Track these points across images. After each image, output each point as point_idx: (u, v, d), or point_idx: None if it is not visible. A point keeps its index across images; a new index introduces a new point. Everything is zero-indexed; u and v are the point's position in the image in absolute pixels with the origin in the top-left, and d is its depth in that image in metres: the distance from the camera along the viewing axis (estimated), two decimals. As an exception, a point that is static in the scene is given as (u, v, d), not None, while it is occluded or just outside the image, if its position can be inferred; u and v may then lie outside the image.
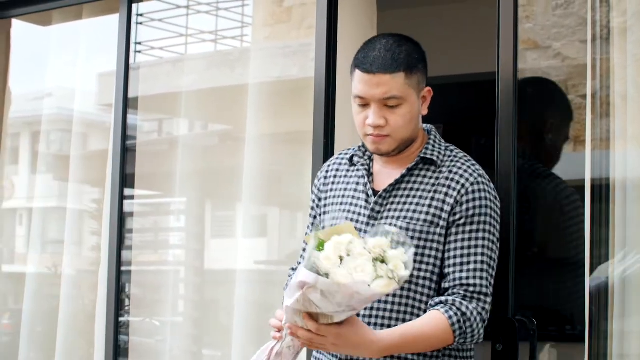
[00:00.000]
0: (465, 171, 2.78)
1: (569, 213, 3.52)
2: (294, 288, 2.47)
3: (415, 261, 2.72)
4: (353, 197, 2.86)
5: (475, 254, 2.72)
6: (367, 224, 2.78)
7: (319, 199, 2.98)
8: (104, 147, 4.63)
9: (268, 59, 4.30)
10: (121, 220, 4.43)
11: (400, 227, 2.73)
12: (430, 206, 2.76)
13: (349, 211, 2.85)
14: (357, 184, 2.88)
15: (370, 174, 2.88)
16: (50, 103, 5.09)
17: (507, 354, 3.13)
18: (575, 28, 4.14)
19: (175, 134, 4.77)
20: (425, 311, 2.72)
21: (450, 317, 2.65)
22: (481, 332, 2.71)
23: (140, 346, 4.55)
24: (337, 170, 2.96)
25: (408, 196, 2.79)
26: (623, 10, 3.15)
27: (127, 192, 4.50)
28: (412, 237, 2.73)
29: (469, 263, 2.71)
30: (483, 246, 2.73)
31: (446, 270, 2.73)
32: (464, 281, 2.70)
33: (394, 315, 2.73)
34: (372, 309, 2.74)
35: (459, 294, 2.69)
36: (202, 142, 4.63)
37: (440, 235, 2.74)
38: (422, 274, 2.74)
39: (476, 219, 2.73)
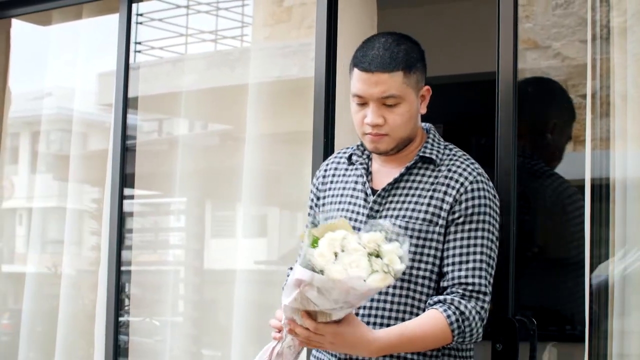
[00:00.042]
0: (465, 170, 2.78)
1: (572, 212, 3.52)
2: (291, 286, 2.47)
3: (414, 260, 2.72)
4: (352, 196, 2.86)
5: (474, 253, 2.71)
6: (366, 222, 2.78)
7: (318, 198, 2.97)
8: (104, 147, 4.63)
9: (268, 59, 4.29)
10: (121, 220, 4.42)
11: (399, 226, 2.73)
12: (429, 205, 2.76)
13: (347, 210, 2.84)
14: (356, 182, 2.88)
15: (369, 172, 2.87)
16: (50, 103, 5.09)
17: (507, 354, 3.13)
18: (575, 28, 4.14)
19: (175, 134, 4.77)
20: (424, 310, 2.72)
21: (448, 317, 2.64)
22: (480, 332, 2.71)
23: (140, 346, 4.55)
24: (336, 169, 2.96)
25: (407, 195, 2.79)
26: (623, 9, 3.15)
27: (127, 192, 4.50)
28: (411, 236, 2.73)
29: (467, 262, 2.71)
30: (482, 245, 2.72)
31: (445, 269, 2.73)
32: (463, 280, 2.70)
33: (393, 314, 2.73)
34: (371, 308, 2.75)
35: (458, 292, 2.69)
36: (202, 142, 4.63)
37: (439, 234, 2.74)
38: (421, 272, 2.74)
39: (475, 217, 2.73)
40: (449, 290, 2.70)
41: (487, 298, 2.71)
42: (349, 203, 2.86)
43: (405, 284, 2.73)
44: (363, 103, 2.77)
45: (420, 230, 2.74)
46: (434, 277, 2.74)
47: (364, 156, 2.90)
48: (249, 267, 4.19)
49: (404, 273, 2.72)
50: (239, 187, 4.17)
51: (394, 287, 2.73)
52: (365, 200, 2.82)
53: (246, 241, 4.23)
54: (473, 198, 2.74)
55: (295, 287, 2.45)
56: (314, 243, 2.44)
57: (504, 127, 3.24)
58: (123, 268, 4.44)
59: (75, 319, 4.73)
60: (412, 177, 2.81)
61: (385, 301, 2.74)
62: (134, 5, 4.47)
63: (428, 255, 2.74)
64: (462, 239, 2.73)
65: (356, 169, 2.90)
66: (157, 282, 4.63)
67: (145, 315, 4.67)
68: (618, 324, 3.08)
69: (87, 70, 4.91)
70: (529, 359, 3.19)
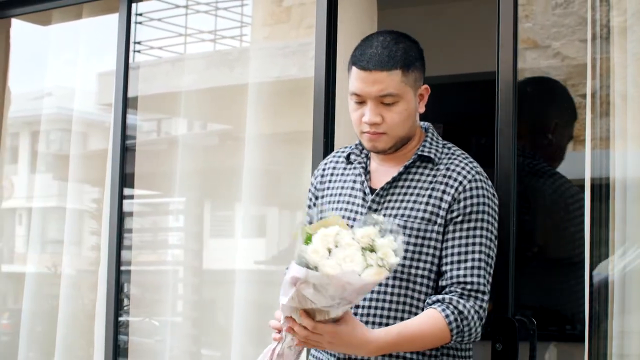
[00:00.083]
0: (463, 168, 2.78)
1: (574, 212, 3.52)
2: (287, 285, 2.47)
3: (412, 259, 2.72)
4: (350, 195, 2.86)
5: (473, 252, 2.71)
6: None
7: (316, 197, 2.97)
8: (104, 147, 4.63)
9: (267, 59, 4.29)
10: (121, 220, 4.42)
11: (398, 225, 2.72)
12: (427, 204, 2.75)
13: (346, 209, 2.84)
14: (354, 182, 2.87)
15: (367, 172, 2.87)
16: (49, 102, 5.09)
17: (507, 354, 3.13)
18: (574, 27, 4.14)
19: (174, 134, 4.77)
20: (423, 309, 2.71)
21: (447, 316, 2.64)
22: (479, 331, 2.71)
23: (140, 346, 4.55)
24: (334, 168, 2.96)
25: (405, 194, 2.79)
26: (623, 9, 3.14)
27: (127, 191, 4.50)
28: (410, 235, 2.73)
29: (466, 261, 2.71)
30: (481, 244, 2.72)
31: (443, 268, 2.73)
32: (462, 279, 2.69)
33: (392, 313, 2.73)
34: (369, 307, 2.74)
35: (456, 292, 2.68)
36: (202, 141, 4.62)
37: (437, 232, 2.74)
38: (419, 272, 2.73)
39: (474, 216, 2.73)
40: (447, 290, 2.70)
41: (486, 297, 2.71)
42: (348, 202, 2.85)
43: (404, 283, 2.73)
44: (361, 101, 2.77)
45: (418, 229, 2.74)
46: (432, 276, 2.74)
47: (362, 155, 2.90)
48: (248, 267, 4.18)
49: (402, 272, 2.72)
50: (238, 187, 4.16)
51: (393, 286, 2.73)
52: (363, 199, 2.82)
53: (246, 241, 4.23)
54: (472, 197, 2.74)
55: (291, 286, 2.45)
56: (308, 240, 2.44)
57: (504, 126, 3.24)
58: (123, 268, 4.44)
59: (75, 319, 4.73)
60: (410, 176, 2.81)
61: (384, 300, 2.74)
62: (134, 5, 4.47)
63: (427, 254, 2.74)
64: (460, 238, 2.72)
65: (354, 168, 2.90)
66: (156, 282, 4.62)
67: (145, 315, 4.67)
68: (618, 323, 3.08)
69: (87, 70, 4.91)
70: (528, 359, 3.18)
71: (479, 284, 2.69)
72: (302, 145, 3.87)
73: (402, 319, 2.71)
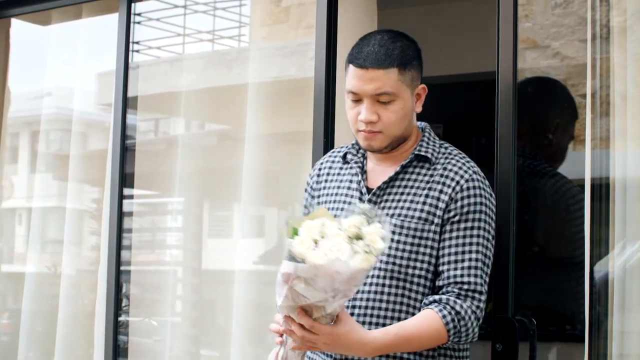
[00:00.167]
0: (460, 168, 2.78)
1: (575, 212, 3.52)
2: (280, 284, 2.47)
3: (409, 259, 2.72)
4: (346, 194, 2.85)
5: (470, 252, 2.71)
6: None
7: (312, 197, 2.97)
8: (104, 147, 4.63)
9: (266, 59, 4.29)
10: (120, 219, 4.42)
11: (395, 225, 2.73)
12: (424, 203, 2.75)
13: (342, 209, 2.83)
14: (351, 181, 2.87)
15: (363, 171, 2.87)
16: (49, 102, 5.09)
17: (507, 354, 3.13)
18: (574, 27, 4.14)
19: (174, 134, 4.77)
20: (419, 309, 2.71)
21: (444, 316, 2.64)
22: (476, 331, 2.70)
23: (140, 346, 4.55)
24: (330, 168, 2.95)
25: (402, 193, 2.78)
26: (623, 9, 3.14)
27: (127, 191, 4.49)
28: (407, 235, 2.73)
29: (463, 261, 2.70)
30: (478, 244, 2.72)
31: (440, 268, 2.72)
32: (458, 279, 2.69)
33: (389, 313, 2.72)
34: (366, 307, 2.74)
35: (453, 292, 2.68)
36: (201, 141, 4.62)
37: (434, 232, 2.73)
38: (416, 271, 2.73)
39: (471, 216, 2.72)
40: (444, 290, 2.70)
41: (483, 297, 2.70)
42: (344, 202, 2.85)
43: (401, 283, 2.72)
44: (357, 100, 2.76)
45: (415, 229, 2.73)
46: (429, 276, 2.73)
47: (359, 155, 2.89)
48: (247, 267, 4.18)
49: (399, 272, 2.72)
50: (238, 187, 4.16)
51: (390, 286, 2.73)
52: (360, 199, 2.82)
53: (245, 241, 4.22)
54: (469, 197, 2.74)
55: (284, 284, 2.45)
56: (294, 234, 2.44)
57: (504, 126, 3.24)
58: (122, 268, 4.44)
59: (74, 319, 4.73)
60: (407, 176, 2.80)
61: (380, 300, 2.73)
62: (133, 5, 4.47)
63: (424, 254, 2.73)
64: (457, 237, 2.72)
65: (351, 167, 2.89)
66: (156, 282, 4.62)
67: (144, 315, 4.67)
68: (618, 323, 3.07)
69: (86, 70, 4.91)
70: (528, 359, 3.18)
71: (475, 284, 2.69)
72: (302, 145, 3.87)
73: (399, 319, 2.71)
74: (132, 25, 4.46)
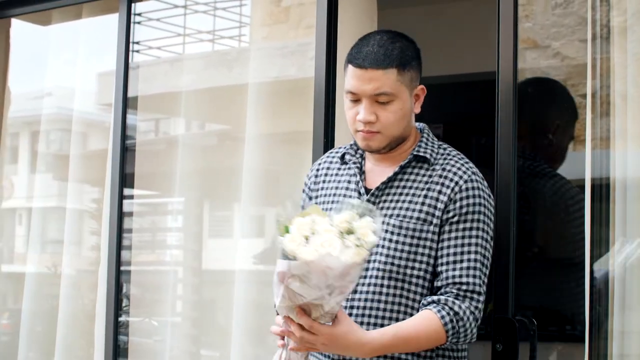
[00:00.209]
0: (459, 169, 2.77)
1: (574, 213, 3.52)
2: (276, 284, 2.47)
3: (408, 259, 2.72)
4: (344, 195, 2.85)
5: (469, 252, 2.70)
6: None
7: (310, 198, 2.96)
8: (104, 147, 4.63)
9: (266, 59, 4.29)
10: (121, 220, 4.42)
11: (393, 225, 2.73)
12: (423, 204, 2.75)
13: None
14: (349, 182, 2.86)
15: (362, 172, 2.86)
16: (49, 102, 5.09)
17: (507, 354, 3.13)
18: (574, 27, 4.14)
19: (174, 134, 4.77)
20: (418, 310, 2.71)
21: (442, 317, 2.63)
22: (474, 332, 2.70)
23: (140, 346, 4.55)
24: (328, 168, 2.95)
25: (401, 194, 2.78)
26: (623, 9, 3.14)
27: (127, 191, 4.49)
28: (405, 235, 2.72)
29: (462, 261, 2.70)
30: (476, 244, 2.71)
31: (439, 269, 2.72)
32: (457, 279, 2.69)
33: (387, 314, 2.72)
34: (364, 307, 2.74)
35: (452, 292, 2.68)
36: (201, 141, 4.62)
37: (433, 233, 2.73)
38: (415, 272, 2.73)
39: (470, 217, 2.72)
40: (442, 290, 2.69)
41: (482, 298, 2.70)
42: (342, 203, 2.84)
43: (399, 284, 2.72)
44: (356, 100, 2.76)
45: (414, 230, 2.73)
46: (428, 276, 2.73)
47: (357, 155, 2.89)
48: (248, 267, 4.18)
49: (397, 272, 2.72)
50: (238, 187, 4.16)
51: (388, 286, 2.72)
52: (358, 199, 2.81)
53: (245, 241, 4.22)
54: (468, 197, 2.73)
55: (280, 284, 2.45)
56: (285, 232, 2.45)
57: (504, 127, 3.23)
58: (122, 268, 4.44)
59: (75, 319, 4.73)
60: (406, 176, 2.80)
61: (379, 301, 2.73)
62: (133, 5, 4.47)
63: (422, 254, 2.73)
64: (456, 238, 2.72)
65: (349, 168, 2.89)
66: (156, 282, 4.62)
67: (145, 316, 4.67)
68: (618, 323, 3.07)
69: (86, 70, 4.91)
70: (529, 359, 3.18)
71: (474, 284, 2.69)
72: (302, 145, 3.87)
73: (397, 319, 2.71)
74: (132, 25, 4.46)
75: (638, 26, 3.12)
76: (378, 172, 2.84)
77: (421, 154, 2.80)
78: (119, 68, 4.46)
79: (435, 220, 2.73)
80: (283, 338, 2.63)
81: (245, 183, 4.13)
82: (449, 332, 2.64)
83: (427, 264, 2.73)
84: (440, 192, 2.75)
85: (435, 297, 2.68)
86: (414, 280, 2.73)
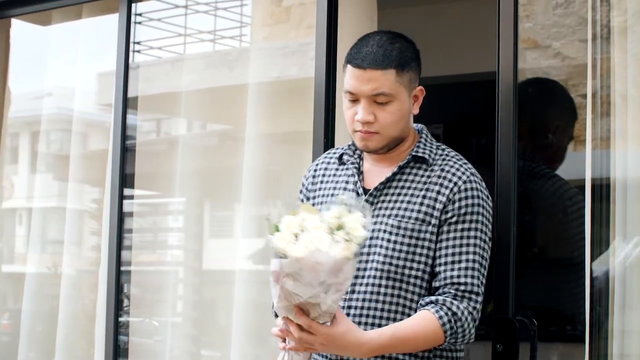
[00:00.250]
0: (458, 169, 2.77)
1: (572, 214, 3.52)
2: (272, 285, 2.47)
3: (406, 259, 2.72)
4: (342, 195, 2.85)
5: (467, 253, 2.70)
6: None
7: (307, 198, 2.96)
8: (104, 147, 4.63)
9: (267, 59, 4.29)
10: (121, 220, 4.42)
11: (392, 225, 2.73)
12: (422, 204, 2.75)
13: (338, 210, 2.83)
14: (347, 182, 2.86)
15: (360, 172, 2.86)
16: (49, 103, 5.09)
17: (508, 354, 3.13)
18: (575, 27, 4.14)
19: (174, 134, 4.77)
20: (416, 310, 2.70)
21: (440, 317, 2.63)
22: (472, 332, 2.70)
23: (140, 346, 4.55)
24: (326, 169, 2.95)
25: (399, 194, 2.78)
26: (623, 9, 3.14)
27: (127, 192, 4.49)
28: (404, 235, 2.72)
29: (460, 262, 2.70)
30: (475, 245, 2.71)
31: (437, 269, 2.72)
32: (455, 280, 2.69)
33: (385, 314, 2.72)
34: (362, 307, 2.74)
35: (450, 293, 2.68)
36: (202, 142, 4.62)
37: (431, 233, 2.73)
38: (413, 272, 2.73)
39: (468, 217, 2.72)
40: (441, 291, 2.69)
41: (480, 298, 2.70)
42: (340, 203, 2.84)
43: (397, 284, 2.72)
44: (355, 100, 2.76)
45: (412, 230, 2.73)
46: (426, 276, 2.73)
47: (355, 156, 2.89)
48: (248, 268, 4.18)
49: (395, 272, 2.72)
50: (238, 187, 4.16)
51: (386, 286, 2.72)
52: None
53: (245, 241, 4.22)
54: (466, 198, 2.73)
55: (275, 284, 2.46)
56: (276, 231, 2.45)
57: (504, 127, 3.24)
58: (123, 268, 4.44)
59: (75, 319, 4.73)
60: (404, 177, 2.80)
61: (376, 301, 2.73)
62: (133, 5, 4.47)
63: (420, 254, 2.73)
64: (454, 238, 2.72)
65: (347, 168, 2.89)
66: (156, 283, 4.63)
67: (145, 316, 4.67)
68: (619, 323, 3.08)
69: (86, 70, 4.91)
70: (529, 359, 3.18)
71: (472, 284, 2.69)
72: (302, 145, 3.87)
73: (395, 319, 2.71)
74: (132, 25, 4.46)
75: (638, 26, 3.12)
76: (376, 172, 2.84)
77: (420, 154, 2.80)
78: (119, 68, 4.46)
79: (433, 221, 2.73)
80: (284, 340, 2.63)
81: (246, 183, 4.13)
82: (447, 332, 2.64)
83: (425, 264, 2.73)
84: (438, 192, 2.75)
85: (433, 298, 2.68)
86: (411, 280, 2.73)
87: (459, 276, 2.69)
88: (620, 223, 3.10)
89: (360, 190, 2.82)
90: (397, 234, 2.73)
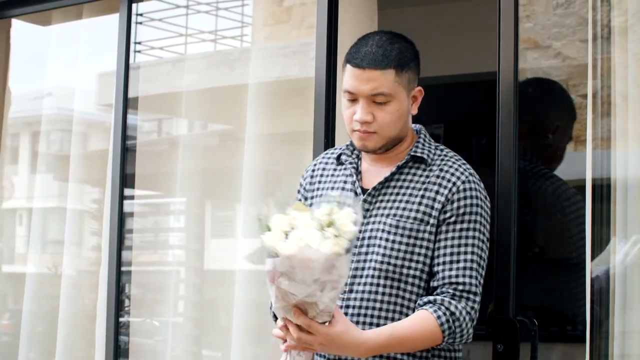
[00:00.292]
0: (457, 170, 2.78)
1: (571, 214, 3.53)
2: (269, 285, 2.47)
3: (404, 259, 2.72)
4: (341, 195, 2.85)
5: (465, 253, 2.71)
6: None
7: (305, 199, 2.96)
8: (104, 147, 4.63)
9: (268, 59, 4.29)
10: (121, 220, 4.42)
11: (390, 225, 2.73)
12: (420, 204, 2.75)
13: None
14: (345, 182, 2.87)
15: (358, 172, 2.87)
16: (50, 103, 5.09)
17: (508, 355, 3.13)
18: (575, 27, 4.14)
19: (175, 134, 4.77)
20: (414, 310, 2.71)
21: (439, 317, 2.64)
22: (470, 332, 2.70)
23: (141, 346, 4.55)
24: (324, 169, 2.95)
25: (398, 194, 2.78)
26: (624, 9, 3.14)
27: (127, 192, 4.49)
28: (402, 235, 2.73)
29: (458, 261, 2.70)
30: (473, 245, 2.72)
31: (435, 269, 2.72)
32: (453, 280, 2.69)
33: (383, 313, 2.72)
34: (360, 307, 2.74)
35: (448, 292, 2.68)
36: (202, 142, 4.63)
37: (430, 233, 2.73)
38: (411, 272, 2.73)
39: (467, 217, 2.73)
40: (439, 290, 2.69)
41: (477, 298, 2.70)
42: (338, 203, 2.84)
43: (395, 283, 2.72)
44: (353, 99, 2.76)
45: (411, 229, 2.73)
46: (424, 276, 2.73)
47: (354, 156, 2.89)
48: (249, 268, 4.18)
49: (394, 272, 2.72)
50: (239, 187, 4.16)
51: (384, 286, 2.73)
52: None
53: (246, 241, 4.22)
54: (465, 198, 2.74)
55: (271, 284, 2.46)
56: (267, 230, 2.45)
57: (505, 127, 3.24)
58: (123, 268, 4.44)
59: (75, 320, 4.73)
60: (403, 177, 2.81)
61: (375, 300, 2.73)
62: (134, 5, 4.47)
63: (419, 254, 2.73)
64: (453, 238, 2.72)
65: (345, 168, 2.89)
66: (157, 283, 4.62)
67: (146, 316, 4.66)
68: (619, 323, 3.08)
69: (87, 70, 4.91)
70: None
71: (470, 284, 2.69)
72: (303, 145, 3.87)
73: (393, 319, 2.71)
74: (132, 25, 4.46)
75: (639, 26, 3.12)
76: (374, 172, 2.84)
77: (418, 154, 2.80)
78: (119, 68, 4.46)
79: (432, 220, 2.74)
80: (286, 341, 2.63)
81: (246, 183, 4.13)
82: (445, 332, 2.64)
83: (424, 263, 2.73)
84: (437, 192, 2.75)
85: (431, 297, 2.68)
86: (410, 280, 2.73)
87: (457, 276, 2.69)
88: (621, 223, 3.10)
89: (359, 190, 2.82)
90: (395, 234, 2.73)
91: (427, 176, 2.78)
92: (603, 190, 3.15)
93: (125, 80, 4.43)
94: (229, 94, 4.41)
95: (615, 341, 3.08)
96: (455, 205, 2.73)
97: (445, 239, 2.73)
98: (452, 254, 2.71)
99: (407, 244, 2.73)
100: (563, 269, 3.66)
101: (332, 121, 3.71)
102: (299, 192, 3.01)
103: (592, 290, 3.11)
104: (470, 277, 2.69)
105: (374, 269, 2.73)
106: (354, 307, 2.74)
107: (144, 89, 4.58)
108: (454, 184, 2.75)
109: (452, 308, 2.65)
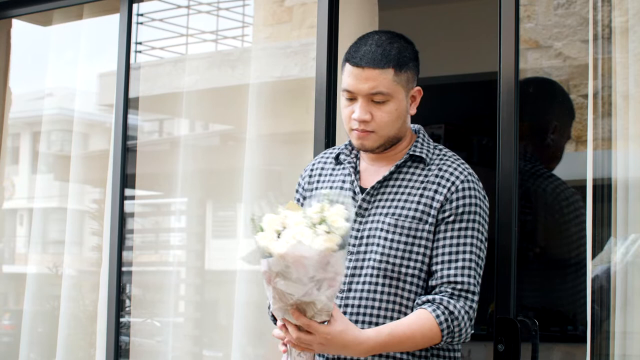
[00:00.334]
0: (455, 169, 2.78)
1: (570, 214, 3.53)
2: (266, 287, 2.47)
3: (403, 258, 2.72)
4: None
5: (464, 252, 2.71)
6: (355, 221, 2.77)
7: (304, 198, 2.96)
8: (105, 147, 4.63)
9: (269, 59, 4.29)
10: (122, 220, 4.42)
11: (389, 224, 2.73)
12: (419, 203, 2.75)
13: (335, 209, 2.83)
14: (344, 182, 2.87)
15: (357, 171, 2.87)
16: (50, 103, 5.09)
17: (509, 355, 3.13)
18: (576, 27, 4.14)
19: (176, 134, 4.77)
20: (412, 309, 2.71)
21: (437, 316, 2.64)
22: (469, 331, 2.70)
23: (141, 347, 4.55)
24: (322, 168, 2.95)
25: (396, 193, 2.78)
26: (624, 9, 3.15)
27: (128, 192, 4.49)
28: (400, 234, 2.73)
29: (457, 261, 2.70)
30: (472, 244, 2.72)
31: (434, 268, 2.72)
32: (452, 279, 2.69)
33: (382, 312, 2.72)
34: (359, 306, 2.74)
35: (447, 292, 2.68)
36: (203, 142, 4.63)
37: (428, 232, 2.73)
38: (410, 271, 2.73)
39: (465, 216, 2.73)
40: (437, 290, 2.70)
41: (476, 298, 2.70)
42: (337, 202, 2.84)
43: (394, 282, 2.72)
44: (352, 98, 2.76)
45: (409, 228, 2.73)
46: (422, 275, 2.73)
47: (352, 155, 2.89)
48: (250, 268, 4.18)
49: (392, 271, 2.72)
50: (239, 188, 4.16)
51: (383, 285, 2.73)
52: (353, 198, 2.81)
53: (247, 241, 4.22)
54: (464, 197, 2.74)
55: (268, 285, 2.46)
56: (260, 231, 2.46)
57: (506, 126, 3.23)
58: (124, 269, 4.44)
59: (76, 320, 4.73)
60: (401, 176, 2.81)
61: (373, 299, 2.73)
62: (135, 6, 4.47)
63: (417, 253, 2.73)
64: (451, 237, 2.72)
65: (344, 168, 2.89)
66: (158, 283, 4.62)
67: (147, 316, 4.66)
68: (620, 324, 3.08)
69: (87, 71, 4.91)
70: (530, 360, 3.19)
71: (469, 284, 2.69)
72: (303, 145, 3.87)
73: (391, 318, 2.71)
74: (133, 25, 4.46)
75: (639, 26, 3.12)
76: (373, 171, 2.84)
77: (417, 153, 2.81)
78: (120, 68, 4.46)
79: (430, 220, 2.74)
80: (285, 345, 2.64)
81: (247, 183, 4.14)
82: (444, 331, 2.64)
83: (422, 262, 2.73)
84: (436, 191, 2.75)
85: (430, 297, 2.68)
86: (408, 279, 2.73)
87: (455, 275, 2.69)
88: (622, 223, 3.11)
89: (357, 189, 2.82)
90: (394, 232, 2.73)
91: (426, 175, 2.79)
92: (604, 190, 3.16)
93: (126, 80, 4.43)
94: (230, 94, 4.42)
95: (615, 341, 3.08)
96: (454, 204, 2.73)
97: (444, 238, 2.73)
98: (450, 253, 2.71)
99: (406, 243, 2.73)
100: (563, 269, 3.66)
101: (333, 121, 3.71)
102: (297, 191, 3.01)
103: (592, 290, 3.11)
104: (469, 276, 2.70)
105: (373, 267, 2.73)
106: (352, 306, 2.74)
107: (144, 89, 4.58)
108: (453, 183, 2.75)
109: (451, 307, 2.65)
